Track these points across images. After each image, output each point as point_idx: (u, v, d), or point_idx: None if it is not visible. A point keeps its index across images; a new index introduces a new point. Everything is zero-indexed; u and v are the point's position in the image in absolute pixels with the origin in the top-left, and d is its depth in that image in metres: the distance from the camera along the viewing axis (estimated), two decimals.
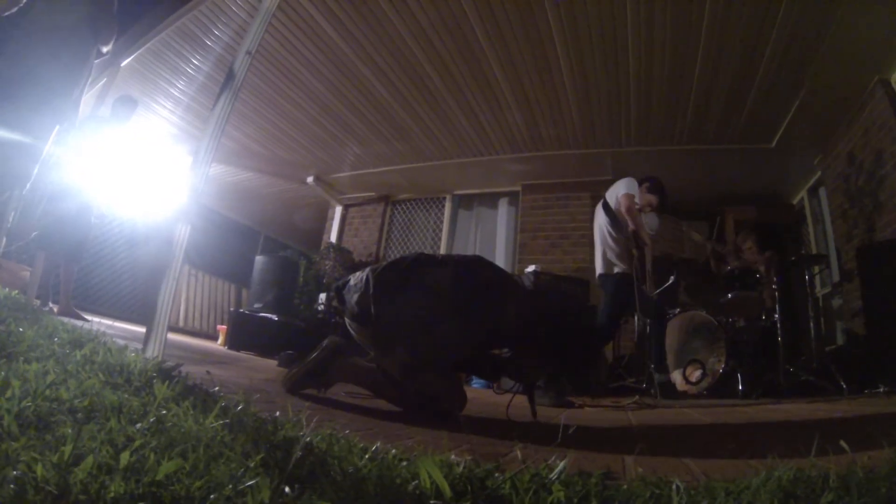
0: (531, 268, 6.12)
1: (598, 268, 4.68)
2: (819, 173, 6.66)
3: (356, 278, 2.45)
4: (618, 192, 4.60)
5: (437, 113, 6.36)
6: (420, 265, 2.33)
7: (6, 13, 4.05)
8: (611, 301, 4.51)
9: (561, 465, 1.10)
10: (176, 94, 6.84)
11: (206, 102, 6.74)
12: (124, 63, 6.09)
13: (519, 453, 1.46)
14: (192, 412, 1.27)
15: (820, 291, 6.78)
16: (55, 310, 5.18)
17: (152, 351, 2.61)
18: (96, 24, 3.11)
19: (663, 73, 5.13)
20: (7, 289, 5.17)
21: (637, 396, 3.94)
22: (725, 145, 6.28)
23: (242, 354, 6.32)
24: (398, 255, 7.43)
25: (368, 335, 2.36)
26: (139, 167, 6.79)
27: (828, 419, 2.85)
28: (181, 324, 11.15)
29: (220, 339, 8.28)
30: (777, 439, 2.05)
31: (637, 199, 4.55)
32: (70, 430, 0.95)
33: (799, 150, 6.25)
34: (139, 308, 9.77)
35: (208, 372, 2.67)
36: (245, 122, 7.11)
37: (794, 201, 7.56)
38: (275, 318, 7.42)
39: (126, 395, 1.37)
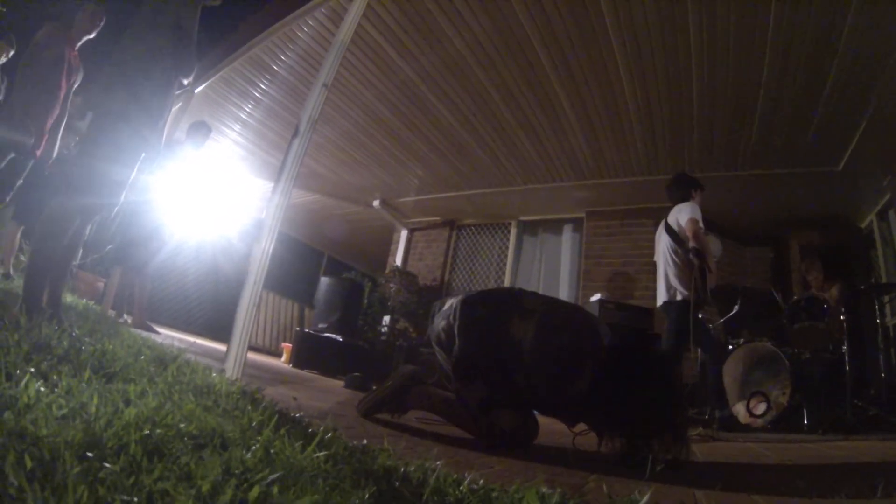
0: (596, 296, 6.15)
1: (662, 295, 4.68)
2: (888, 195, 6.41)
3: (447, 304, 2.58)
4: (681, 217, 4.60)
5: (502, 138, 6.45)
6: (508, 307, 2.42)
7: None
8: (676, 327, 4.50)
9: (646, 498, 1.17)
10: (244, 117, 7.13)
11: (275, 127, 7.07)
12: (198, 90, 6.37)
13: (604, 487, 1.53)
14: (290, 441, 1.33)
15: (890, 321, 6.42)
16: (129, 321, 5.42)
17: (231, 370, 2.80)
18: (179, 55, 3.21)
19: (727, 96, 5.09)
20: (84, 299, 5.59)
21: (700, 429, 3.93)
22: (790, 169, 6.15)
23: (307, 373, 6.51)
24: (468, 282, 7.49)
25: (450, 364, 2.47)
26: (213, 189, 7.18)
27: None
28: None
29: (285, 357, 8.49)
30: (845, 478, 2.06)
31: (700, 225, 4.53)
32: (191, 460, 1.00)
33: (867, 172, 6.03)
34: (207, 323, 10.28)
35: (295, 398, 2.81)
36: (313, 147, 7.19)
37: (863, 224, 7.27)
38: (339, 338, 7.64)
39: (223, 420, 1.43)
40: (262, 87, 6.35)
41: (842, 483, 1.51)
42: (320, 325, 8.14)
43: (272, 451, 1.22)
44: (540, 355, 2.24)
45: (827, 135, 5.47)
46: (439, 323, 2.52)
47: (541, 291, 7.78)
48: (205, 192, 6.65)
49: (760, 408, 4.56)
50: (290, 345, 8.34)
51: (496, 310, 2.42)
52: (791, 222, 7.27)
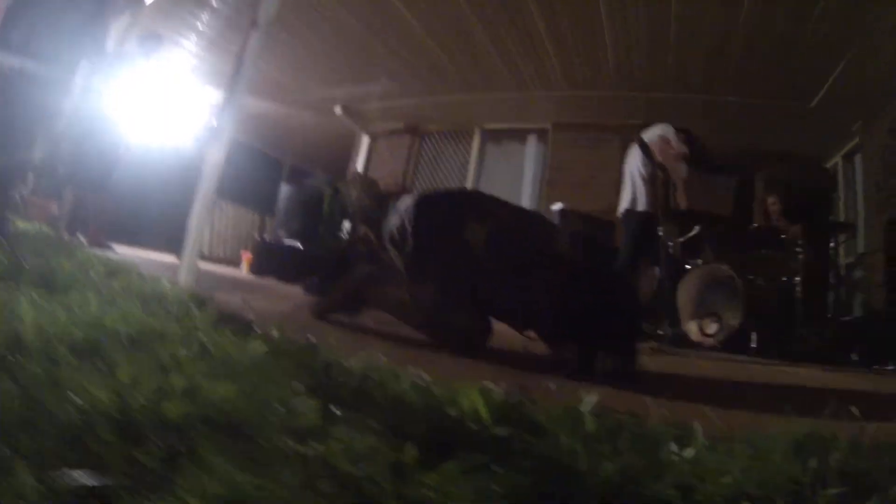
0: (558, 205, 6.10)
1: (624, 203, 4.70)
2: (857, 139, 6.52)
3: (403, 203, 2.48)
4: (654, 133, 4.62)
5: (467, 43, 6.21)
6: (465, 208, 2.37)
7: None
8: (633, 239, 4.56)
9: (593, 398, 1.12)
10: (200, 28, 6.86)
11: (231, 37, 6.63)
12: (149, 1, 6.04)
13: (552, 385, 1.52)
14: (233, 339, 1.29)
15: (843, 260, 6.67)
16: (85, 241, 5.24)
17: (185, 279, 2.68)
18: None
19: (708, 15, 4.96)
20: (37, 223, 5.34)
21: (652, 343, 3.98)
22: (764, 100, 6.14)
23: (267, 281, 6.47)
24: (432, 188, 7.29)
25: (403, 262, 2.41)
26: (165, 101, 6.87)
27: (840, 388, 2.85)
28: (206, 252, 11.27)
29: (244, 267, 8.37)
30: (791, 399, 2.09)
31: (674, 149, 4.55)
32: (121, 356, 0.98)
33: (839, 113, 6.07)
34: (169, 238, 9.89)
35: (244, 300, 2.70)
36: (271, 53, 7.00)
37: (828, 165, 7.38)
38: (299, 246, 7.52)
39: (167, 323, 1.40)
40: None
41: (788, 402, 1.49)
42: (280, 233, 7.98)
43: (211, 346, 1.18)
44: (494, 258, 2.19)
45: (806, 67, 5.41)
46: (394, 221, 2.43)
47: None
48: (159, 103, 6.34)
49: (712, 328, 4.65)
50: (250, 254, 8.21)
51: (452, 210, 2.36)
52: (758, 155, 7.29)
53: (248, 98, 8.50)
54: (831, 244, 5.71)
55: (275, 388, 0.95)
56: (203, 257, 10.49)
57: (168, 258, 5.83)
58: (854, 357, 4.67)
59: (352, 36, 6.48)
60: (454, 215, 2.32)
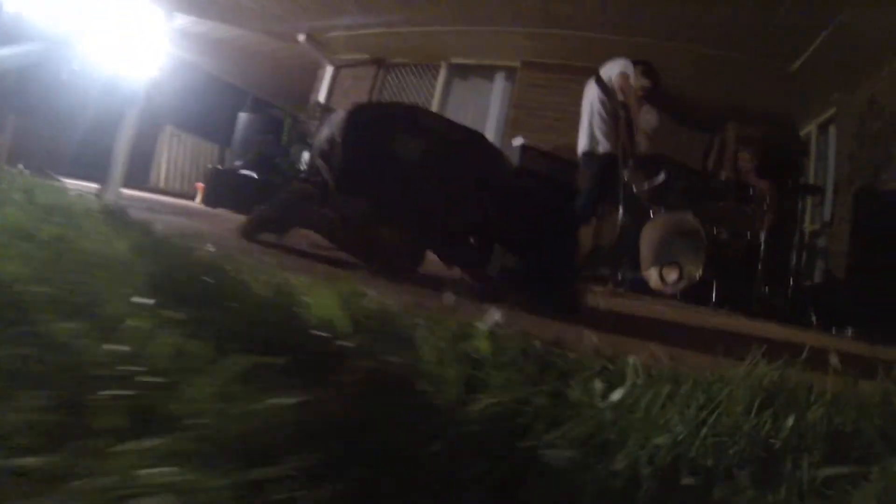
0: (518, 140, 5.87)
1: (582, 145, 4.51)
2: (834, 110, 6.45)
3: (337, 115, 2.32)
4: (612, 71, 4.39)
5: None
6: (400, 122, 2.18)
7: None
8: (592, 181, 4.39)
9: (495, 316, 0.97)
10: None
11: None
12: None
13: (451, 300, 1.34)
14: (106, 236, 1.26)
15: (809, 227, 6.69)
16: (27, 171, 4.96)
17: (109, 197, 2.58)
18: None
19: None
20: None
21: (609, 285, 3.87)
22: (746, 55, 5.95)
23: (220, 211, 6.22)
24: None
25: (332, 177, 2.22)
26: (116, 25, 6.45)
27: (803, 344, 2.73)
28: (162, 185, 10.94)
29: (198, 198, 8.04)
30: (741, 345, 1.91)
31: (633, 83, 4.36)
32: None
33: (818, 80, 5.98)
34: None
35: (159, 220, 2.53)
36: None
37: (802, 132, 7.33)
38: (254, 175, 7.20)
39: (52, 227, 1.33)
40: None
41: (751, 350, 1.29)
42: (236, 163, 7.68)
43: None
44: (426, 174, 2.02)
45: (791, 28, 5.24)
46: (324, 133, 2.26)
47: None
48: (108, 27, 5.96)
49: (672, 276, 4.53)
50: (203, 185, 7.94)
51: (385, 122, 2.19)
52: (733, 112, 7.08)
53: (205, 21, 8.25)
54: (798, 206, 5.66)
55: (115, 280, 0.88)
56: (159, 191, 10.25)
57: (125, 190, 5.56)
58: (813, 319, 4.59)
59: None
60: (387, 127, 2.15)
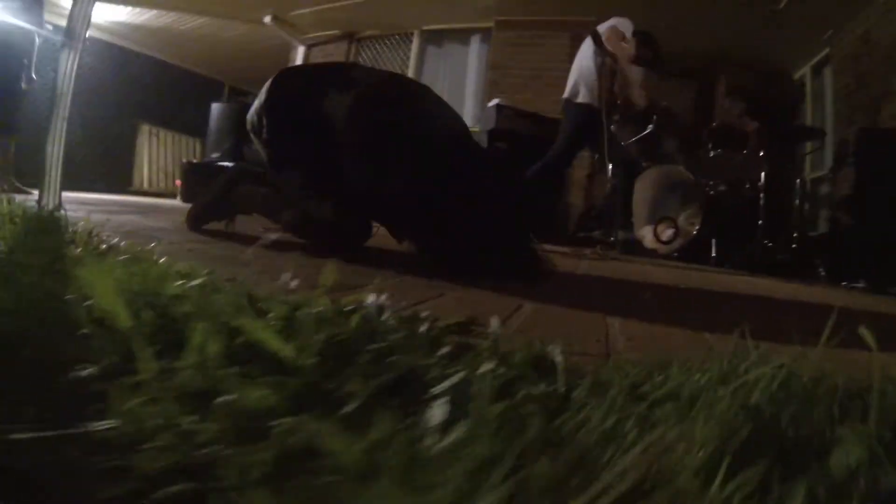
0: (494, 101, 5.61)
1: (566, 92, 4.33)
2: (827, 50, 6.24)
3: (266, 85, 2.03)
4: (607, 25, 4.24)
5: None
6: (328, 79, 1.91)
7: None
8: (570, 130, 4.20)
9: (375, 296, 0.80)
10: None
11: None
12: None
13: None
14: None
15: (809, 175, 6.45)
16: None
17: (49, 202, 2.33)
18: None
19: None
20: None
21: (598, 247, 3.62)
22: None
23: None
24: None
25: (263, 150, 2.02)
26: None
27: (815, 303, 2.40)
28: (146, 186, 10.75)
29: (178, 195, 7.82)
30: (753, 314, 1.59)
31: (626, 44, 4.17)
32: None
33: (809, 19, 5.69)
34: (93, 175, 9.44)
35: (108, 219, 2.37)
36: None
37: (796, 76, 7.11)
38: (229, 165, 6.97)
39: None
40: None
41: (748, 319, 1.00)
42: (212, 155, 7.45)
43: None
44: (358, 134, 1.78)
45: None
46: (253, 105, 2.01)
47: None
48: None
49: (668, 233, 4.32)
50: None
51: (310, 82, 1.96)
52: (722, 59, 6.95)
53: (168, 12, 8.02)
54: (797, 152, 5.41)
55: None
56: (142, 192, 10.04)
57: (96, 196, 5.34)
58: (821, 272, 4.36)
59: None
60: (312, 87, 1.90)
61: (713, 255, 4.42)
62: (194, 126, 10.96)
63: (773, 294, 2.56)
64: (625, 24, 4.25)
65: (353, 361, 0.57)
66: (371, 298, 0.80)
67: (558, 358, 0.63)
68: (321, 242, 1.89)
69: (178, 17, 8.43)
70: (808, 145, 5.88)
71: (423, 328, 0.75)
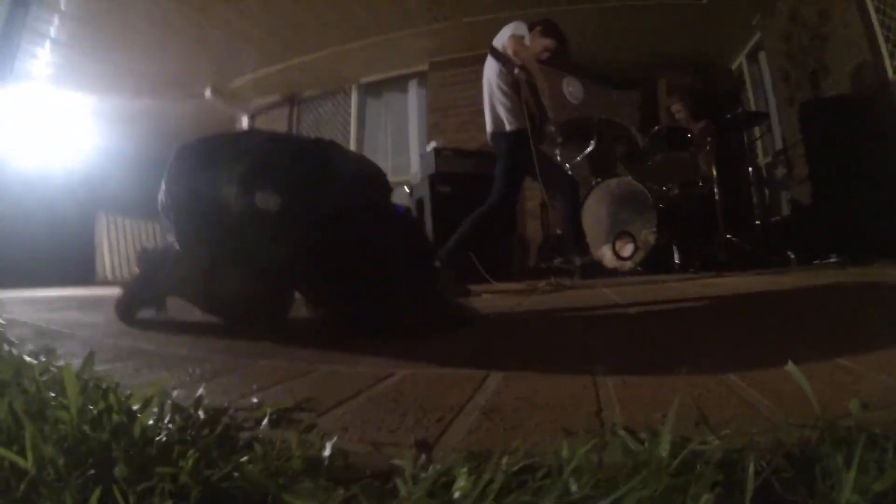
0: (431, 145, 5.53)
1: (489, 127, 3.99)
2: (758, 35, 6.34)
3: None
4: (504, 35, 3.91)
5: None
6: (221, 151, 1.83)
7: None
8: (506, 164, 3.85)
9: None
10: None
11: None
12: None
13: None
14: None
15: (762, 160, 6.56)
16: None
17: None
18: None
19: None
20: None
21: (551, 278, 3.47)
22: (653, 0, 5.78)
23: None
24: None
25: (171, 229, 1.86)
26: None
27: (771, 292, 2.35)
28: (109, 276, 10.60)
29: None
30: (706, 335, 1.43)
31: (528, 43, 3.86)
32: None
33: (734, 7, 5.82)
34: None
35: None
36: (118, 41, 6.59)
37: (734, 66, 7.19)
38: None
39: None
40: None
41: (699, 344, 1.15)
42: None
43: None
44: (240, 207, 1.68)
45: None
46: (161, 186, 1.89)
47: (390, 155, 7.48)
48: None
49: (627, 249, 4.21)
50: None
51: (207, 156, 1.85)
52: (660, 63, 7.01)
53: (108, 96, 8.03)
54: (745, 140, 5.40)
55: None
56: (106, 283, 9.89)
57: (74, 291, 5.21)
58: (791, 256, 4.36)
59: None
60: (207, 163, 1.81)
61: (676, 261, 4.35)
62: (152, 209, 10.90)
63: (736, 296, 2.42)
64: (519, 27, 3.92)
65: None
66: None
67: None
68: (237, 319, 1.82)
69: (120, 101, 8.49)
70: (756, 130, 5.89)
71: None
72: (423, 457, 0.55)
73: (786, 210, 6.04)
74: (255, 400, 0.83)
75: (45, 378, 0.82)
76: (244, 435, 0.63)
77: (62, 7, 5.79)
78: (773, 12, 5.73)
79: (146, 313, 2.07)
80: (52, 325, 2.18)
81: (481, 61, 6.47)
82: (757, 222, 5.29)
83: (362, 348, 1.27)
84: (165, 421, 0.65)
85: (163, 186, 1.84)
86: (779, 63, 5.85)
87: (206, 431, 0.62)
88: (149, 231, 11.37)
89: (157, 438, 0.59)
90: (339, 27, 6.44)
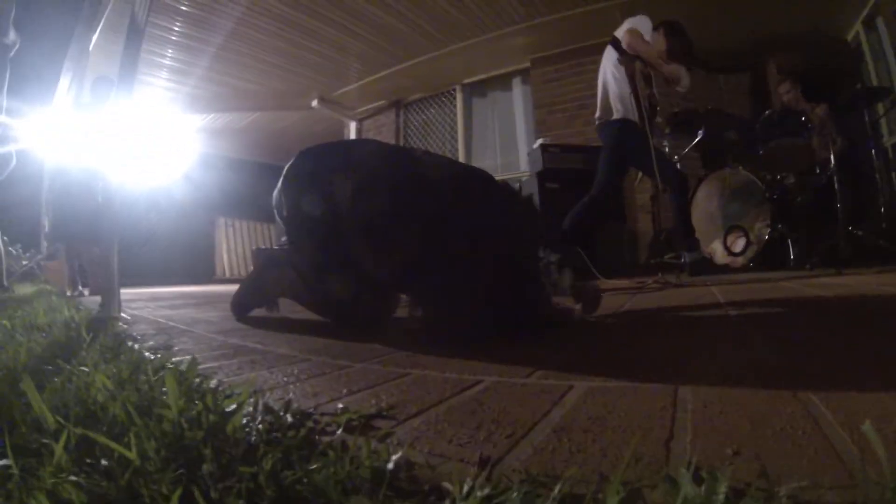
0: (538, 142, 5.51)
1: (598, 113, 3.99)
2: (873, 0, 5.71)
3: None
4: (623, 28, 3.86)
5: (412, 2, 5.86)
6: (336, 161, 1.94)
7: None
8: (610, 152, 3.84)
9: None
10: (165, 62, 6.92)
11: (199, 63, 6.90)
12: (92, 45, 5.79)
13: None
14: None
15: (887, 141, 5.84)
16: (86, 293, 5.40)
17: (112, 310, 2.53)
18: None
19: None
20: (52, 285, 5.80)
21: (659, 275, 3.41)
22: None
23: None
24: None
25: (285, 230, 2.08)
26: (143, 139, 6.93)
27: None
28: (227, 274, 11.42)
29: None
30: (812, 349, 1.21)
31: (650, 39, 3.82)
32: None
33: None
34: (182, 270, 10.61)
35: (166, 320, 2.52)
36: (231, 65, 7.13)
37: (849, 37, 6.50)
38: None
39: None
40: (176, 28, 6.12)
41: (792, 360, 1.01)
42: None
43: None
44: (355, 217, 1.77)
45: None
46: (278, 186, 2.07)
47: (498, 153, 7.58)
48: (136, 142, 6.37)
49: (739, 244, 4.05)
50: None
51: (319, 163, 1.96)
52: (769, 44, 6.52)
53: (222, 113, 8.63)
54: (867, 119, 4.98)
55: None
56: (223, 280, 10.64)
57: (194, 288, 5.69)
58: None
59: (300, 27, 6.32)
60: (321, 168, 1.92)
61: (791, 256, 4.10)
62: (264, 213, 11.53)
63: (857, 299, 2.15)
64: (642, 22, 3.89)
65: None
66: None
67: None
68: (342, 320, 1.93)
69: (233, 116, 9.19)
70: (879, 107, 5.37)
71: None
72: (483, 474, 0.56)
73: None
74: (340, 405, 0.87)
75: (156, 378, 0.95)
76: (325, 439, 0.69)
77: (173, 38, 6.28)
78: None
79: (258, 311, 2.30)
80: (171, 321, 2.42)
81: (581, 55, 6.51)
82: (882, 211, 4.90)
83: (458, 351, 1.30)
84: (256, 422, 0.71)
85: (277, 188, 2.01)
86: None
87: (290, 434, 0.68)
88: (264, 232, 12.32)
89: (245, 439, 0.66)
90: (439, 33, 6.53)
